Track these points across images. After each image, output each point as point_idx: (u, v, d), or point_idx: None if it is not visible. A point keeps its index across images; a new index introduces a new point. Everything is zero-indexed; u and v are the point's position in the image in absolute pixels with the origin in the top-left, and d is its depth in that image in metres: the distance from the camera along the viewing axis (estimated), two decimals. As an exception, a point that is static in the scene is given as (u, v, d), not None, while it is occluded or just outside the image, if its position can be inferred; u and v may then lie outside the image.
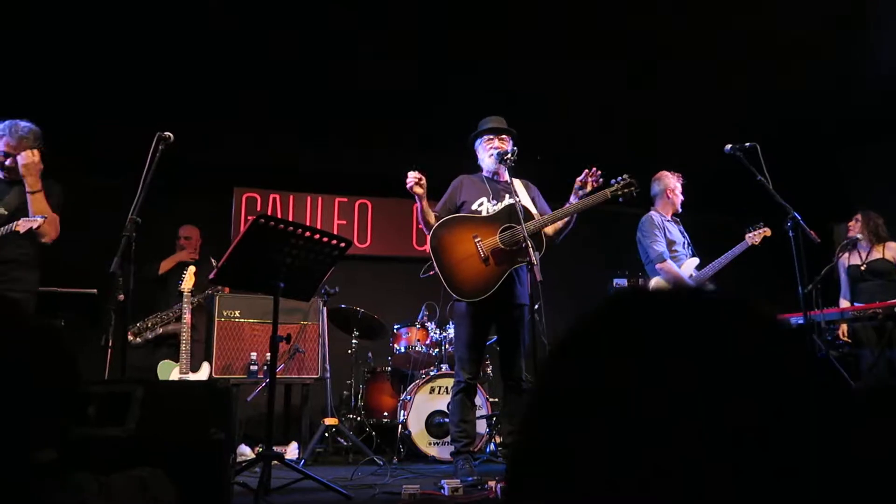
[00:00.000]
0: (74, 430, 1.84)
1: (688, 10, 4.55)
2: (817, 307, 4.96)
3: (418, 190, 3.61)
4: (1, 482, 0.94)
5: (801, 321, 4.11)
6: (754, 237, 4.51)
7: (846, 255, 5.30)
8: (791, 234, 3.73)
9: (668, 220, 4.59)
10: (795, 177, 5.16)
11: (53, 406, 1.04)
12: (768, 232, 4.52)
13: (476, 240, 3.59)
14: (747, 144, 3.84)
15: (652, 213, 4.57)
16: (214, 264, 5.11)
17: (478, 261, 3.57)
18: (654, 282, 4.46)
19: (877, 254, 5.12)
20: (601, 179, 3.64)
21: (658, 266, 4.40)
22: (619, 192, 3.62)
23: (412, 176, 3.62)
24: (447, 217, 3.69)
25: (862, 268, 5.13)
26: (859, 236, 5.20)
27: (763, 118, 5.67)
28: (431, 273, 3.66)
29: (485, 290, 3.54)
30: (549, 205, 3.93)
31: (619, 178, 3.65)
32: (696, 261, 4.51)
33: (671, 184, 4.62)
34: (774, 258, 4.52)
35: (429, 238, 3.65)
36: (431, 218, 3.72)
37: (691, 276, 4.42)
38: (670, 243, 4.48)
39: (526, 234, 3.41)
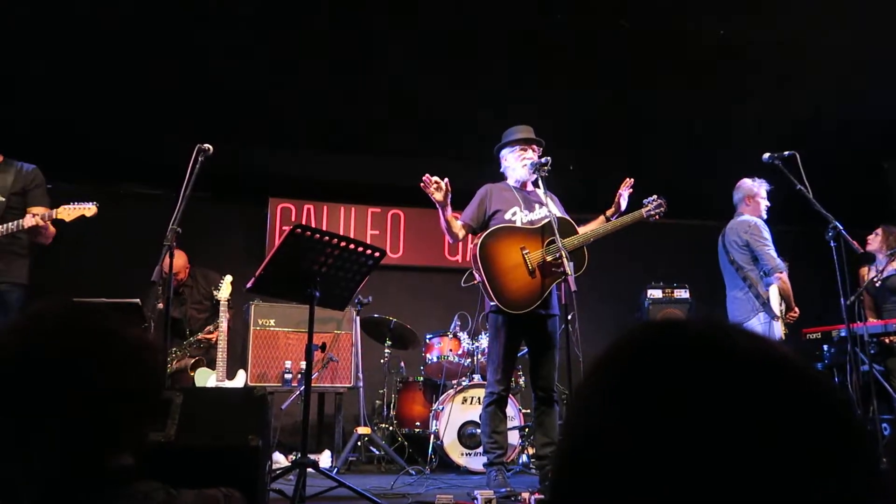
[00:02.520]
0: (152, 437, 1.85)
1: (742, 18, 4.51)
2: (860, 319, 4.85)
3: (437, 196, 3.59)
4: (72, 485, 0.95)
5: (843, 333, 4.01)
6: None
7: (865, 268, 5.24)
8: (833, 244, 3.65)
9: None
10: (839, 185, 5.05)
11: (134, 411, 1.03)
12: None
13: (524, 252, 3.59)
14: (786, 153, 3.77)
15: (756, 219, 4.41)
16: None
17: (525, 272, 3.57)
18: (773, 290, 4.35)
19: (891, 269, 5.04)
20: (632, 189, 3.82)
21: (777, 276, 4.29)
22: (653, 213, 3.81)
23: (430, 179, 3.57)
24: (496, 226, 3.67)
25: (877, 283, 5.01)
26: (879, 251, 5.14)
27: (807, 124, 5.54)
28: (475, 282, 3.65)
29: (530, 303, 3.54)
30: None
31: (650, 198, 3.81)
32: None
33: (752, 189, 4.49)
34: (816, 269, 4.45)
35: (476, 246, 3.60)
36: (456, 227, 3.73)
37: None
38: None
39: (563, 247, 3.42)
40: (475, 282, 3.65)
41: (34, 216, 3.64)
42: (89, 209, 3.76)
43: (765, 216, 4.52)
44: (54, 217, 3.71)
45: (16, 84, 5.00)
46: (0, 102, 4.99)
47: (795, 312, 4.37)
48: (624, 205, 3.84)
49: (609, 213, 3.87)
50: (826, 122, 5.59)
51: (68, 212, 3.74)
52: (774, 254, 4.32)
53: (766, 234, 4.36)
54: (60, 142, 5.73)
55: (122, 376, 1.00)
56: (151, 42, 4.66)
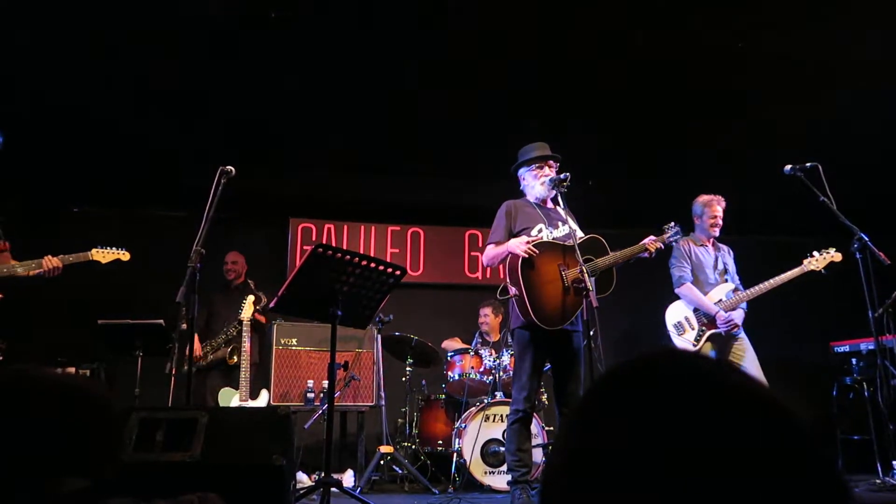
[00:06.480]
0: (113, 458, 1.93)
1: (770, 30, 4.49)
2: (888, 332, 4.75)
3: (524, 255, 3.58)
4: None
5: (872, 346, 3.94)
6: (813, 262, 4.30)
7: None
8: (858, 256, 3.60)
9: (701, 246, 4.59)
10: (864, 195, 4.98)
11: (82, 437, 1.12)
12: (837, 257, 4.25)
13: (562, 268, 3.59)
14: (808, 164, 3.74)
15: (681, 241, 4.52)
16: (252, 287, 5.34)
17: (560, 288, 3.57)
18: (672, 306, 4.57)
19: None
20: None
21: (676, 290, 4.51)
22: (673, 239, 3.91)
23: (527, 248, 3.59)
24: (537, 241, 3.65)
25: None
26: None
27: (832, 133, 5.48)
28: (510, 296, 3.63)
29: (563, 319, 3.54)
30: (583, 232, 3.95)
31: (670, 225, 3.90)
32: (728, 286, 4.47)
33: (697, 210, 4.63)
34: (842, 281, 4.37)
35: (516, 258, 3.57)
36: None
37: (721, 300, 4.42)
38: (699, 268, 4.51)
39: (584, 266, 3.42)
40: (510, 296, 3.63)
41: (52, 258, 3.73)
42: (124, 254, 4.07)
43: (714, 234, 4.57)
44: (90, 258, 3.92)
45: (37, 109, 5.12)
46: (26, 128, 5.11)
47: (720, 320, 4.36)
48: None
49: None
50: (853, 128, 5.52)
51: (103, 254, 3.99)
52: (676, 270, 4.52)
53: (681, 253, 4.52)
54: (86, 166, 5.86)
55: (55, 422, 1.12)
56: (175, 68, 4.75)
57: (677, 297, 4.60)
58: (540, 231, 3.75)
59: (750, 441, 0.48)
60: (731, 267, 4.63)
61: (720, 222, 4.56)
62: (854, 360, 5.43)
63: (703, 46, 4.64)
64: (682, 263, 4.50)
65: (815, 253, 4.34)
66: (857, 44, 4.56)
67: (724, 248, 4.70)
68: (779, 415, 0.51)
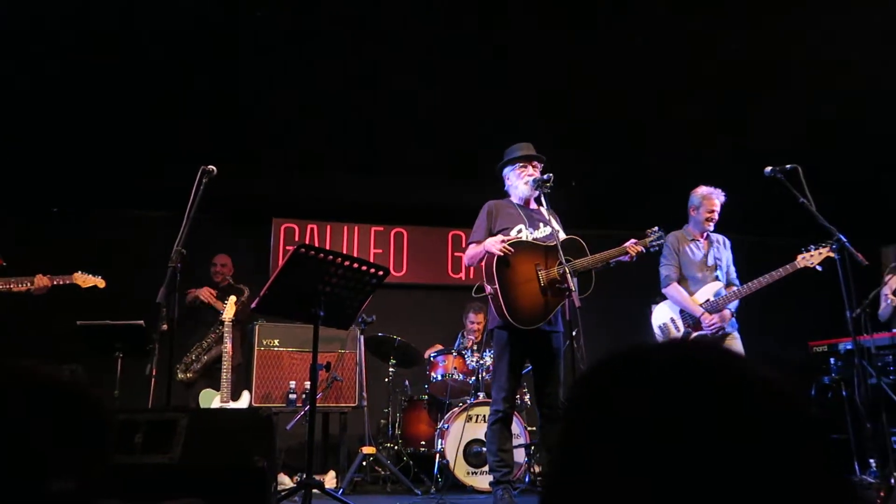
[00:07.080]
0: (103, 459, 1.94)
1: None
2: (866, 332, 4.82)
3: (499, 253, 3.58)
4: None
5: (850, 346, 3.98)
6: (808, 258, 4.07)
7: (892, 277, 5.05)
8: (837, 258, 3.64)
9: (692, 241, 4.44)
10: (842, 197, 5.02)
11: (72, 437, 1.14)
12: (830, 253, 4.00)
13: (538, 268, 3.60)
14: (788, 166, 3.77)
15: (671, 234, 4.41)
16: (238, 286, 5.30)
17: (537, 288, 3.58)
18: (658, 307, 4.51)
19: None
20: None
21: (663, 290, 4.44)
22: (655, 244, 3.91)
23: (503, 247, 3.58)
24: (514, 241, 3.65)
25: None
26: None
27: (809, 136, 5.54)
28: (485, 294, 3.63)
29: (539, 319, 3.54)
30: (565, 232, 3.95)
31: (653, 230, 3.91)
32: (717, 285, 4.33)
33: (695, 202, 4.45)
34: (821, 281, 4.38)
35: (492, 257, 3.57)
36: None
37: (708, 300, 4.28)
38: (688, 265, 4.38)
39: (566, 265, 3.42)
40: (486, 293, 3.63)
41: (43, 277, 4.00)
42: (100, 282, 4.43)
43: (708, 229, 4.43)
44: (73, 282, 4.19)
45: (22, 108, 5.04)
46: (10, 134, 5.04)
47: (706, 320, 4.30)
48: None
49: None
50: (824, 132, 5.59)
51: (84, 279, 4.32)
52: (663, 269, 4.43)
53: (671, 250, 4.41)
54: (66, 165, 5.78)
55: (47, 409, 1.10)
56: (159, 67, 4.70)
57: (665, 297, 4.53)
58: (520, 231, 3.75)
59: (751, 434, 0.48)
60: (725, 259, 4.47)
61: (716, 217, 4.39)
62: (832, 360, 5.50)
63: (701, 46, 4.66)
64: (670, 262, 4.39)
65: (810, 247, 4.09)
66: (857, 44, 4.61)
67: (719, 239, 4.52)
68: (782, 407, 0.50)
